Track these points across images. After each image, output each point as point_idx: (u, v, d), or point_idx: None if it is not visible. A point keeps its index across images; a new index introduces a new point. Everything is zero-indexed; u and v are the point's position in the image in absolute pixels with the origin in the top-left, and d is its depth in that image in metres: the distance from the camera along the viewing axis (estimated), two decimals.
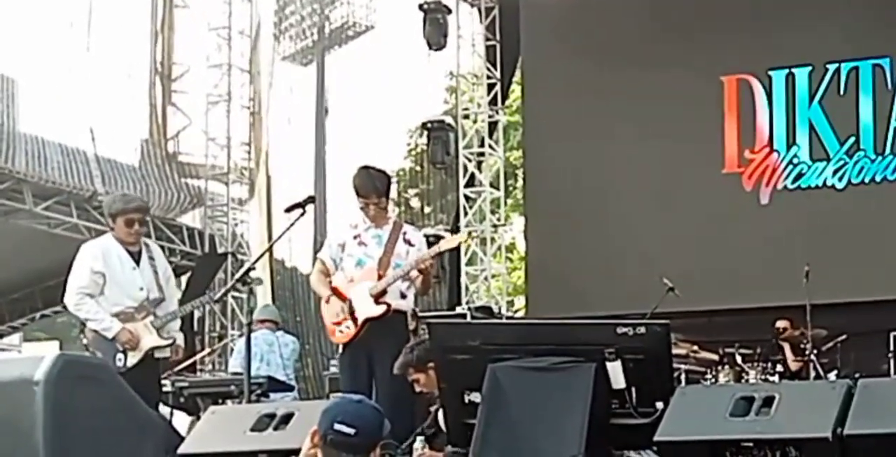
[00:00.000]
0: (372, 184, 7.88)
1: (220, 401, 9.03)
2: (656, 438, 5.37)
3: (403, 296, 7.85)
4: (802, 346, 11.11)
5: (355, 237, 7.90)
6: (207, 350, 14.69)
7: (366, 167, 8.03)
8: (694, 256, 13.57)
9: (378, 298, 7.71)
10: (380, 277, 7.74)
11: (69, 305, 7.93)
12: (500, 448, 5.59)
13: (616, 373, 5.66)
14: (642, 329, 5.70)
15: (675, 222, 13.95)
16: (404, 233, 7.94)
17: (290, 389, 10.51)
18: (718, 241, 13.75)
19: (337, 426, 4.47)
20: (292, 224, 7.53)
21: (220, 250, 17.23)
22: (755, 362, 10.77)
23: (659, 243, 13.83)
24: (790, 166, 13.85)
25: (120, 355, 7.74)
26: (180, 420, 9.23)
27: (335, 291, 7.85)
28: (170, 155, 17.70)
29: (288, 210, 7.54)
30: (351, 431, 4.47)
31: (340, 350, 8.03)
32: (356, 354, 7.77)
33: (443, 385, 6.13)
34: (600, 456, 5.60)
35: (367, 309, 7.71)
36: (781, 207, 13.79)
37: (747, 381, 10.38)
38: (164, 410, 8.79)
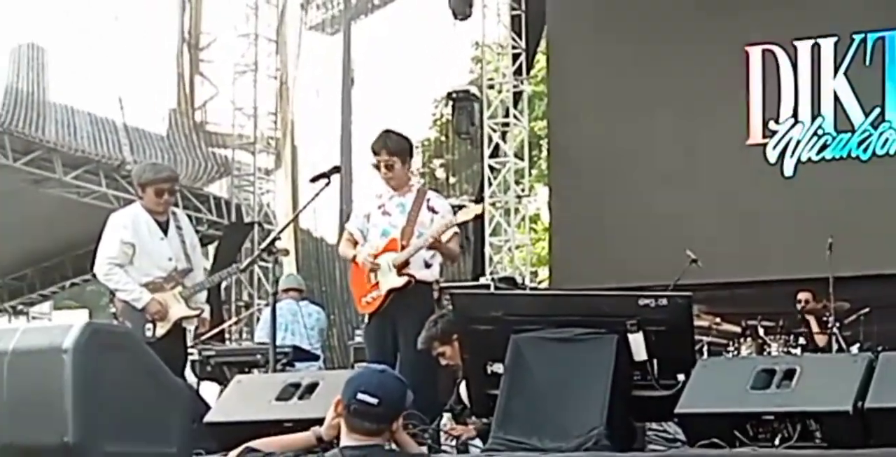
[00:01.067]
0: (383, 141, 7.84)
1: (247, 370, 9.09)
2: (677, 410, 5.36)
3: (428, 265, 7.83)
4: (825, 319, 11.10)
5: (379, 207, 7.89)
6: (234, 319, 14.78)
7: (386, 130, 8.03)
8: (717, 228, 13.56)
9: (400, 269, 7.72)
10: (402, 248, 7.75)
11: (99, 275, 7.98)
12: (522, 419, 5.60)
13: (638, 345, 5.63)
14: (664, 301, 5.66)
15: (699, 194, 13.94)
16: (428, 200, 7.88)
17: (316, 358, 10.56)
18: (742, 213, 13.74)
19: (360, 396, 4.53)
20: (317, 194, 7.54)
21: (247, 220, 17.29)
22: (777, 334, 10.75)
23: (682, 215, 13.82)
24: (814, 138, 13.80)
25: (149, 326, 7.80)
26: (210, 389, 9.29)
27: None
28: (197, 124, 17.75)
29: (313, 180, 7.55)
30: (374, 400, 4.53)
31: (366, 321, 8.06)
32: (381, 324, 7.79)
33: (465, 356, 6.13)
34: (622, 427, 5.58)
35: (391, 281, 7.73)
36: (805, 179, 13.75)
37: (769, 353, 10.37)
38: (190, 379, 8.88)
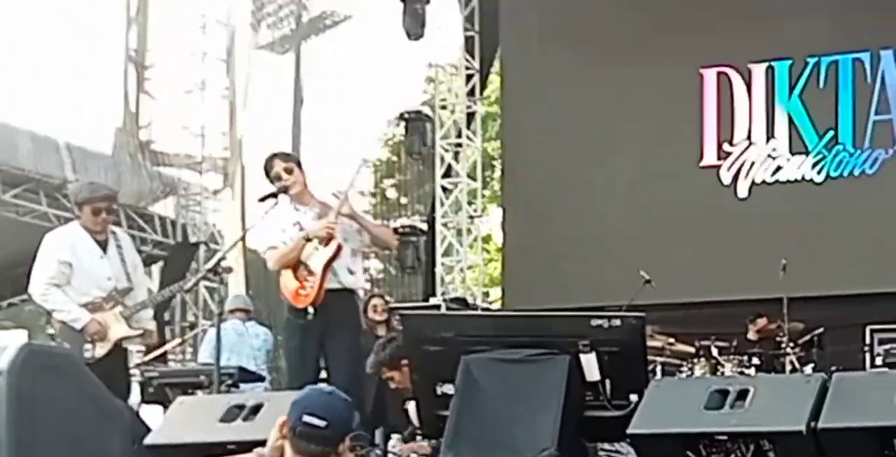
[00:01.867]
0: (272, 155, 7.71)
1: (191, 391, 8.92)
2: (629, 430, 5.35)
3: (351, 272, 7.62)
4: (778, 339, 11.08)
5: (296, 224, 7.65)
6: (178, 340, 14.58)
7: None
8: (671, 249, 13.53)
9: (327, 242, 7.46)
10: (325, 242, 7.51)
11: (35, 295, 7.80)
12: (472, 440, 5.58)
13: (590, 365, 5.64)
14: (617, 321, 5.69)
15: (653, 215, 13.92)
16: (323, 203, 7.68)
17: (261, 379, 10.43)
18: (696, 234, 13.72)
19: (306, 418, 4.44)
20: (266, 213, 7.47)
21: (193, 240, 17.12)
22: (731, 354, 10.74)
23: (637, 236, 13.81)
24: (769, 160, 13.82)
25: (88, 346, 7.63)
26: (152, 412, 9.09)
27: (288, 266, 7.68)
28: (143, 143, 17.59)
29: (262, 200, 7.50)
30: (321, 423, 4.44)
31: (288, 336, 7.84)
32: (305, 341, 7.60)
33: (415, 377, 6.14)
34: (573, 448, 5.58)
35: (322, 256, 7.45)
36: (760, 201, 13.76)
37: (723, 374, 10.35)
38: (132, 401, 8.69)
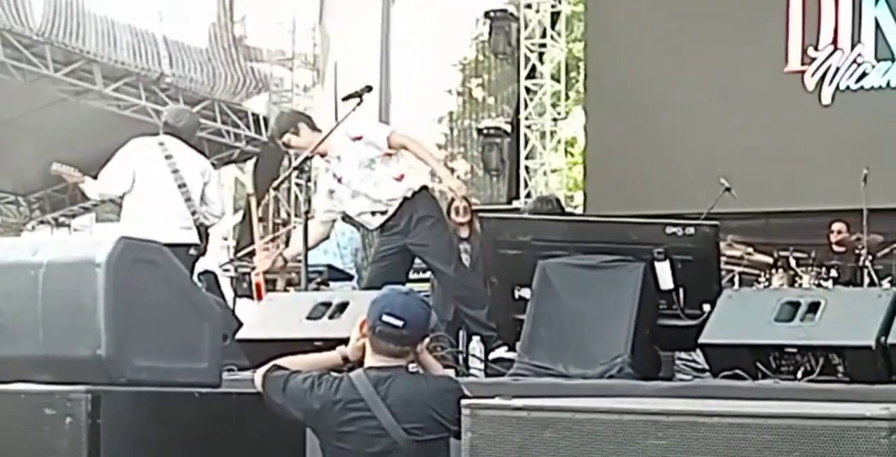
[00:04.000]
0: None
1: (284, 288, 9.09)
2: (700, 340, 5.36)
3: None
4: (857, 251, 11.00)
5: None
6: (270, 236, 14.79)
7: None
8: (753, 156, 13.48)
9: None
10: None
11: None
12: (547, 345, 5.63)
13: (664, 273, 5.65)
14: (691, 230, 5.68)
15: (736, 121, 13.85)
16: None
17: (350, 278, 10.56)
18: (778, 141, 13.65)
19: (385, 318, 4.56)
20: (347, 115, 7.55)
21: None
22: (809, 266, 10.67)
23: (718, 142, 13.76)
24: (854, 66, 13.66)
25: None
26: (247, 307, 9.27)
27: None
28: (236, 39, 17.67)
29: (345, 99, 7.55)
30: (399, 323, 4.56)
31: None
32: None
33: (493, 280, 6.17)
34: (646, 356, 5.63)
35: None
36: (843, 108, 13.63)
37: (801, 285, 10.30)
38: (228, 296, 8.89)
